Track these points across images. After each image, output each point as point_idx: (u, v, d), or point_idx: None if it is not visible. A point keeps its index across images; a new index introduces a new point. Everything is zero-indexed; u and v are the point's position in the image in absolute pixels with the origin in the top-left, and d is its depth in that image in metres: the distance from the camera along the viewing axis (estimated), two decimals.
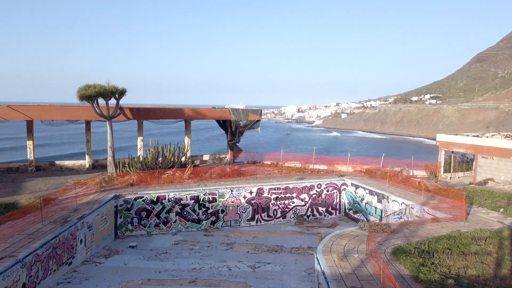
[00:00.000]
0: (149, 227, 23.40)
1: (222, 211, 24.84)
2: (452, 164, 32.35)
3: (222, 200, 24.77)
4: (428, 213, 19.31)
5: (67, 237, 16.60)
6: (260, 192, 25.66)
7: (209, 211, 24.57)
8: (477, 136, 31.81)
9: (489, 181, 27.57)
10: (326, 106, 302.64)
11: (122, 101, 29.14)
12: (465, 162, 32.87)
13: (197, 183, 25.73)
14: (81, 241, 18.00)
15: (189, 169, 27.58)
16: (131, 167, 27.48)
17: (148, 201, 23.20)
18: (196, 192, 24.27)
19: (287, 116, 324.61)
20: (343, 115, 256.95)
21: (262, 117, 35.94)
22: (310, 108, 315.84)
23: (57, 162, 32.27)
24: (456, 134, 33.59)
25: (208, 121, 43.63)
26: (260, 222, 25.83)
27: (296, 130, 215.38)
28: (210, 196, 24.52)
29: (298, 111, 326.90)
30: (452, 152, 32.08)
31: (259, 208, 25.75)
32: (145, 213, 23.25)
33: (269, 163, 34.12)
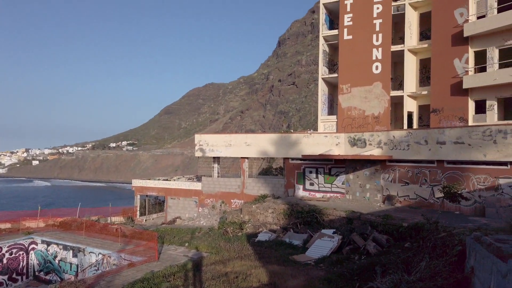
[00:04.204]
0: None
1: None
2: (147, 207, 34.76)
3: None
4: (125, 259, 19.64)
5: None
6: None
7: None
8: (167, 179, 35.86)
9: (177, 219, 31.33)
10: (12, 153, 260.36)
11: None
12: (158, 204, 36.10)
13: None
14: None
15: None
16: None
17: None
18: None
19: None
20: (35, 162, 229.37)
21: None
22: None
23: None
24: (150, 179, 36.58)
25: None
26: None
27: None
28: None
29: None
30: (147, 195, 34.60)
31: None
32: None
33: None
